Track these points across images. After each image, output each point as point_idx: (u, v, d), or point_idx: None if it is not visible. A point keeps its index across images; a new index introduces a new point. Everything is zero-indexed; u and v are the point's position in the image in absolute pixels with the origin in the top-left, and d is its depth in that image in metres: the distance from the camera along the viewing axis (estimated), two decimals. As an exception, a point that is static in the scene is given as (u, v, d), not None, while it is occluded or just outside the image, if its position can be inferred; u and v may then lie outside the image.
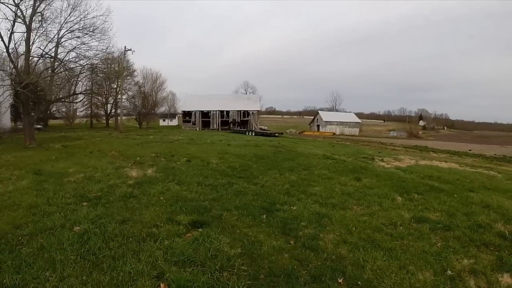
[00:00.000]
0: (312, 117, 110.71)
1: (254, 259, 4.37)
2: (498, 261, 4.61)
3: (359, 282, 3.91)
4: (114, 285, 3.57)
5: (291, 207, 6.79)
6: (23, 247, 4.37)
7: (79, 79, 27.05)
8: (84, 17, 21.76)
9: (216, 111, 74.90)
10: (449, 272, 4.22)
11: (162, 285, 3.62)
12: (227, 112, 75.40)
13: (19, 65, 21.41)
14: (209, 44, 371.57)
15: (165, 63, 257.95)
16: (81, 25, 21.81)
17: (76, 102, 46.05)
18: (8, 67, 21.11)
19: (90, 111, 68.71)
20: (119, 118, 54.66)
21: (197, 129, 70.42)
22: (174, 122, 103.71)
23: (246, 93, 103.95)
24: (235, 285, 3.70)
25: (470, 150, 39.24)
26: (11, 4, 19.16)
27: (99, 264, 3.98)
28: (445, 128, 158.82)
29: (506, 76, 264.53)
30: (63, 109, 65.68)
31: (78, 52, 22.02)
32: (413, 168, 13.96)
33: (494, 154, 33.72)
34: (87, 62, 23.11)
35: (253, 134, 51.59)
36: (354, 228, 5.68)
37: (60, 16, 21.13)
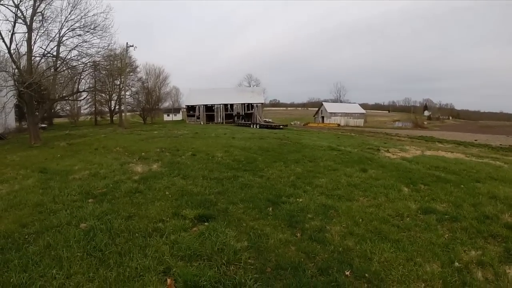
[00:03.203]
0: (317, 109, 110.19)
1: (260, 252, 4.36)
2: (505, 252, 4.56)
3: (366, 274, 3.89)
4: (121, 281, 3.58)
5: (297, 199, 6.78)
6: (29, 246, 4.38)
7: (82, 77, 27.21)
8: (84, 15, 21.74)
9: (220, 104, 74.96)
10: (456, 263, 4.19)
11: (169, 280, 3.62)
12: (231, 105, 75.42)
13: (21, 65, 21.45)
14: (212, 39, 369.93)
15: (168, 58, 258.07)
16: (82, 23, 21.81)
17: (80, 100, 46.38)
18: (11, 68, 21.17)
19: (94, 109, 69.12)
20: (123, 114, 54.85)
21: (202, 123, 70.52)
22: (178, 116, 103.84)
23: (250, 86, 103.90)
24: (242, 279, 3.70)
25: (476, 140, 38.86)
26: (11, 6, 19.20)
27: (105, 261, 3.99)
28: (451, 118, 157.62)
29: (510, 65, 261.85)
30: (67, 108, 66.08)
31: (80, 50, 22.08)
32: (419, 158, 13.85)
33: (500, 144, 33.34)
34: (89, 60, 23.16)
35: (258, 127, 51.42)
36: (360, 220, 5.65)
37: (61, 15, 21.12)
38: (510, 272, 4.04)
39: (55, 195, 6.92)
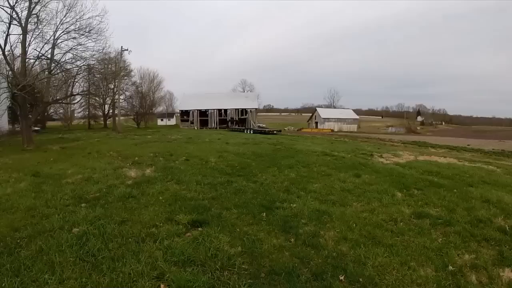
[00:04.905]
0: (310, 114, 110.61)
1: (254, 257, 4.35)
2: (499, 256, 4.60)
3: (360, 279, 3.89)
4: (114, 287, 3.55)
5: (291, 205, 6.76)
6: (21, 250, 4.33)
7: (76, 80, 27.25)
8: (80, 18, 21.80)
9: (214, 109, 75.12)
10: (450, 267, 4.21)
11: (162, 285, 3.59)
12: (225, 110, 75.61)
13: (15, 67, 21.32)
14: (207, 43, 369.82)
15: (163, 62, 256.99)
16: (77, 26, 21.85)
17: (74, 103, 46.25)
18: (5, 70, 21.05)
19: (87, 112, 68.72)
20: (117, 118, 54.59)
21: (195, 128, 70.50)
22: (172, 121, 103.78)
23: (244, 91, 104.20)
24: (236, 284, 3.68)
25: (468, 145, 39.20)
26: (6, 7, 19.11)
27: (98, 266, 3.95)
28: (443, 123, 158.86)
29: (503, 71, 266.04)
30: (61, 111, 65.63)
31: (75, 53, 22.03)
32: (412, 163, 13.93)
33: (493, 149, 33.72)
34: (84, 63, 23.14)
35: (252, 132, 51.60)
36: (354, 225, 5.66)
37: (56, 18, 21.17)
38: (504, 275, 4.07)
39: (48, 199, 6.86)
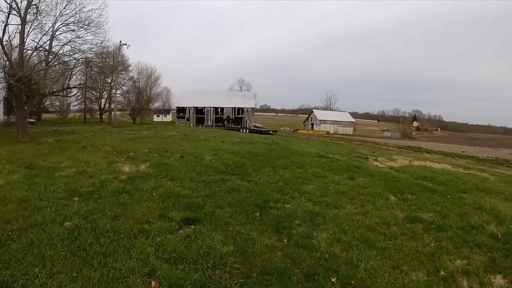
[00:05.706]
0: (307, 116, 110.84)
1: (246, 257, 4.33)
2: (490, 262, 4.62)
3: (352, 282, 3.89)
4: (104, 282, 3.52)
5: (285, 205, 6.75)
6: (12, 242, 4.29)
7: (73, 73, 27.01)
8: (79, 10, 21.66)
9: (210, 107, 75.05)
10: (442, 272, 4.22)
11: (153, 282, 3.57)
12: (222, 109, 75.56)
13: (12, 58, 21.20)
14: (207, 43, 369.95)
15: (161, 60, 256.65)
16: (76, 19, 21.71)
17: (70, 96, 45.84)
18: (2, 60, 20.89)
19: (83, 106, 68.35)
20: (112, 113, 54.32)
21: (191, 125, 70.34)
22: (168, 118, 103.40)
23: (241, 90, 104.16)
24: (227, 283, 3.67)
25: (463, 151, 39.43)
26: (6, -4, 18.99)
27: (89, 261, 3.92)
28: (439, 129, 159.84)
29: (499, 79, 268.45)
30: (57, 103, 65.28)
31: (73, 46, 21.95)
32: (407, 168, 14.00)
33: (487, 156, 33.93)
34: (82, 56, 23.06)
35: (247, 132, 51.59)
36: (347, 227, 5.66)
37: (55, 9, 21.01)
38: (495, 281, 4.09)
39: (41, 191, 6.80)
